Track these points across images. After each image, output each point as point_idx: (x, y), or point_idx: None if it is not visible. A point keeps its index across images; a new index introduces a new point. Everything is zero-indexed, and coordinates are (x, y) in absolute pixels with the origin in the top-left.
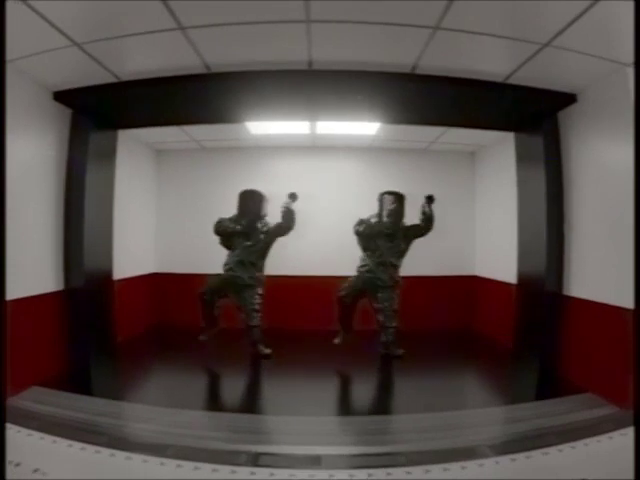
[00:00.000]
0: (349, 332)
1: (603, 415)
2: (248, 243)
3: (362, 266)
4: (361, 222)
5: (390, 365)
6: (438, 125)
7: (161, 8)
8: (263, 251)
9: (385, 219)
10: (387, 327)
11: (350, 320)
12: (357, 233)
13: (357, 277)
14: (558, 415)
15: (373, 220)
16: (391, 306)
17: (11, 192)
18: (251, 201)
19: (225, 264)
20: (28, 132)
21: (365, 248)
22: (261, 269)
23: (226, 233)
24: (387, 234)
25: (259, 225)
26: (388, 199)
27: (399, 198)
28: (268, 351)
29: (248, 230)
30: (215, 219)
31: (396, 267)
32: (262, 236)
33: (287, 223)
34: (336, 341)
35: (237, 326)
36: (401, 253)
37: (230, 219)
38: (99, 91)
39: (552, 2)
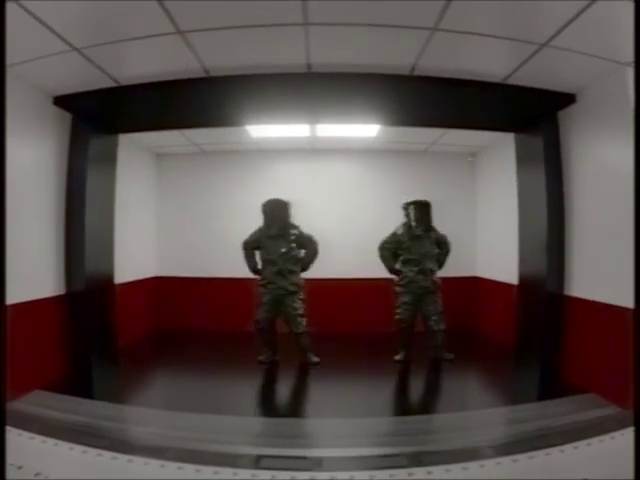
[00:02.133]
0: (410, 349)
1: (605, 415)
2: (283, 250)
3: (401, 279)
4: (385, 240)
5: (439, 368)
6: (438, 126)
7: (160, 12)
8: (297, 256)
9: (413, 225)
10: (435, 331)
11: (411, 338)
12: (382, 249)
13: (403, 294)
14: (560, 415)
15: (399, 231)
16: (436, 310)
17: (12, 196)
18: (278, 209)
19: (262, 279)
20: (28, 137)
21: (403, 262)
22: (299, 274)
23: (255, 243)
24: (416, 236)
25: (290, 231)
26: (412, 209)
27: (422, 206)
28: (316, 359)
29: (281, 235)
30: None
31: (434, 272)
32: (293, 244)
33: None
34: (397, 357)
35: (235, 329)
36: (436, 258)
37: (257, 231)
38: (99, 96)
39: (550, 2)
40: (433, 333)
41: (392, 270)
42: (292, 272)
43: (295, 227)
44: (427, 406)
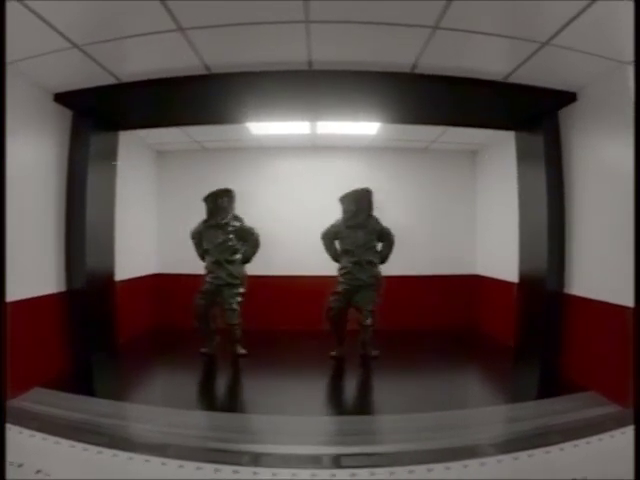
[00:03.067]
0: (343, 343)
1: (605, 414)
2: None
3: (340, 269)
4: (325, 232)
5: (367, 365)
6: (438, 124)
7: (161, 9)
8: (234, 247)
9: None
10: (363, 326)
11: (343, 331)
12: (323, 237)
13: (339, 285)
14: (560, 414)
15: (337, 221)
16: (368, 304)
17: (12, 194)
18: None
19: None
20: (29, 134)
21: (341, 252)
22: (239, 265)
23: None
24: (351, 227)
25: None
26: (346, 199)
27: (361, 194)
28: (243, 351)
29: (221, 226)
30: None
31: (372, 264)
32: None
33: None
34: (333, 354)
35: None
36: (377, 251)
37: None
38: (100, 92)
39: (551, 1)
40: (361, 327)
41: (335, 259)
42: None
43: (238, 219)
44: (427, 404)
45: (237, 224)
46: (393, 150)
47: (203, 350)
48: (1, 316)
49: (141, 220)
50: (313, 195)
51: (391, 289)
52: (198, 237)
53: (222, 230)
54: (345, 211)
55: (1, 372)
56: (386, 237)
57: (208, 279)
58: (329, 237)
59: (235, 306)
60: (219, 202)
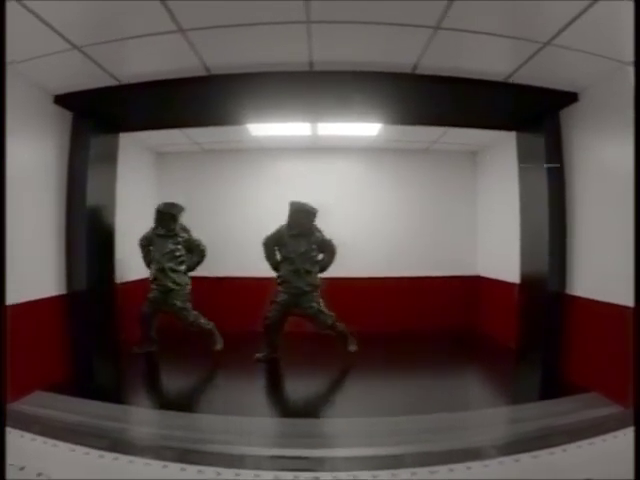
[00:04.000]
0: (276, 351)
1: (607, 414)
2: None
3: (279, 278)
4: (267, 237)
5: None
6: (439, 125)
7: (161, 10)
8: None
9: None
10: (329, 327)
11: (277, 339)
12: (265, 244)
13: (278, 296)
14: (562, 415)
15: (282, 229)
16: (318, 307)
17: (12, 196)
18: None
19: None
20: (29, 136)
21: (282, 259)
22: (184, 274)
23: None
24: (294, 235)
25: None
26: (294, 206)
27: (300, 212)
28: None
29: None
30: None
31: (310, 273)
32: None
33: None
34: (258, 355)
35: (236, 328)
36: (316, 261)
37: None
38: (100, 94)
39: (553, 1)
40: (329, 329)
41: (275, 267)
42: (175, 271)
43: (186, 230)
44: (429, 405)
45: (185, 235)
46: (394, 151)
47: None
48: (1, 319)
49: (141, 221)
50: (313, 196)
51: (392, 290)
52: (146, 244)
53: (171, 240)
54: (291, 217)
55: (1, 375)
56: (327, 248)
57: (154, 286)
58: (271, 244)
59: (181, 305)
60: (167, 214)
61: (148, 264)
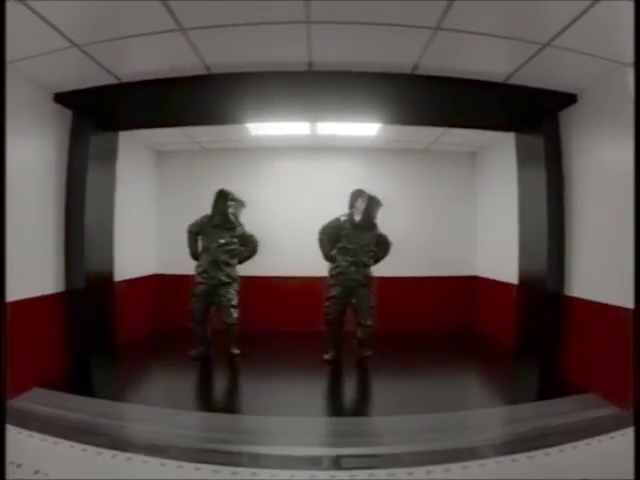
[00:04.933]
0: (340, 348)
1: (604, 415)
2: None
3: (333, 269)
4: (326, 225)
5: (365, 367)
6: (439, 125)
7: (162, 9)
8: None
9: (356, 217)
10: (363, 325)
11: (340, 336)
12: (321, 232)
13: (333, 286)
14: (559, 415)
15: (342, 218)
16: (366, 304)
17: (12, 193)
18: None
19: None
20: (28, 134)
21: (338, 250)
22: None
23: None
24: (358, 227)
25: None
26: (360, 198)
27: (374, 201)
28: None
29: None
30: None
31: (367, 266)
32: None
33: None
34: (326, 357)
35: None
36: (373, 254)
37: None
38: (99, 92)
39: (552, 2)
40: (361, 327)
41: (327, 257)
42: (228, 264)
43: (239, 223)
44: (427, 405)
45: (239, 229)
46: (393, 151)
47: (192, 353)
48: (1, 316)
49: (140, 220)
50: (313, 196)
51: (390, 290)
52: (197, 232)
53: (228, 231)
54: (356, 208)
55: (2, 373)
56: (384, 243)
57: (201, 279)
58: (328, 233)
59: (234, 302)
60: (229, 204)
61: (194, 254)
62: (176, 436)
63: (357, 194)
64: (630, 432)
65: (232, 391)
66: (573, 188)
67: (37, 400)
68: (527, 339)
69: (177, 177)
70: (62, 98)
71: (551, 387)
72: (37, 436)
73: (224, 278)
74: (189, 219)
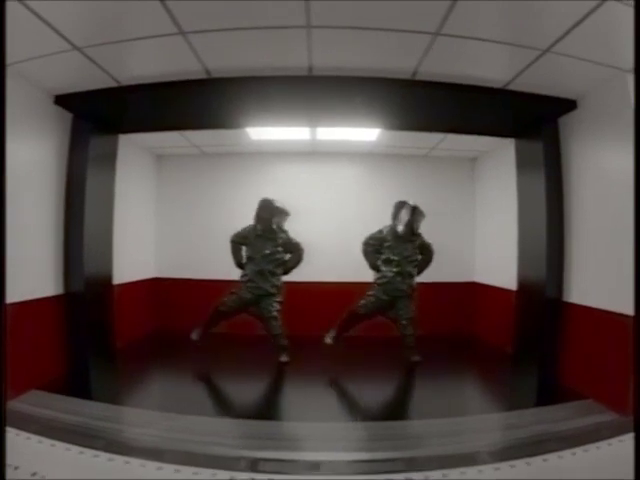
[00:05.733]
0: (341, 337)
1: (602, 422)
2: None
3: (379, 278)
4: (370, 236)
5: (410, 371)
6: (438, 131)
7: (162, 13)
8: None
9: (400, 228)
10: (404, 335)
11: (353, 328)
12: (365, 243)
13: (377, 291)
14: (558, 421)
15: (385, 230)
16: (407, 314)
17: (11, 196)
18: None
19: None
20: (28, 136)
21: (383, 262)
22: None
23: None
24: (400, 238)
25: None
26: (404, 209)
27: (416, 211)
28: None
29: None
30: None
31: (412, 276)
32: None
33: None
34: (327, 340)
35: (234, 331)
36: (417, 264)
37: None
38: (100, 95)
39: (552, 8)
40: (402, 336)
41: (374, 267)
42: (274, 274)
43: (283, 230)
44: (425, 411)
45: (284, 236)
46: (393, 156)
47: (193, 335)
48: (1, 319)
49: (140, 223)
50: (312, 201)
51: None
52: (241, 242)
53: (271, 241)
54: (399, 219)
55: (1, 375)
56: (427, 252)
57: (248, 288)
58: (372, 244)
59: (275, 314)
60: (274, 213)
61: (238, 263)
62: (173, 440)
63: (400, 205)
64: (629, 438)
65: (231, 394)
66: (573, 194)
67: (35, 402)
68: (526, 345)
69: (176, 181)
70: (62, 101)
71: (550, 393)
72: (34, 438)
73: (270, 289)
74: (188, 223)
